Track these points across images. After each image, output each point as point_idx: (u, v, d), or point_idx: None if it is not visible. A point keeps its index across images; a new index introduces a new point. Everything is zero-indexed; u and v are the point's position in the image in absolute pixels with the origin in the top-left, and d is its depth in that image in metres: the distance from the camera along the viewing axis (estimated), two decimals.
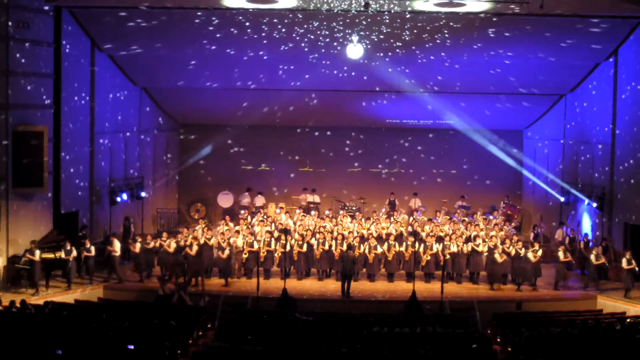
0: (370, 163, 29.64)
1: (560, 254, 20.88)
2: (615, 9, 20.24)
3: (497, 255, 20.70)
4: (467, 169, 29.13)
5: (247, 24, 21.45)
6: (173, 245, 21.13)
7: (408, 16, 20.90)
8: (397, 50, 22.72)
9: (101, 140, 23.56)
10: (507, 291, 20.68)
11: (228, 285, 20.64)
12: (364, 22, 21.21)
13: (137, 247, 21.11)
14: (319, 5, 20.21)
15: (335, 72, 24.31)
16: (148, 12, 21.10)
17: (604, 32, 21.67)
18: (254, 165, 29.45)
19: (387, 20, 21.10)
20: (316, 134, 29.43)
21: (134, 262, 21.44)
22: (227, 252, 20.85)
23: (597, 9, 20.51)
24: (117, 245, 20.82)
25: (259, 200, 27.69)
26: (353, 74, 24.44)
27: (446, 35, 21.78)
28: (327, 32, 21.72)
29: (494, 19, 21.06)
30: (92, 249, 20.36)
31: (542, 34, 21.66)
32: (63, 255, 19.75)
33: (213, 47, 22.90)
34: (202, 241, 21.32)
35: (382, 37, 21.87)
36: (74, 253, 19.83)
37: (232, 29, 21.76)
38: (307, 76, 24.75)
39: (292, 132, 29.45)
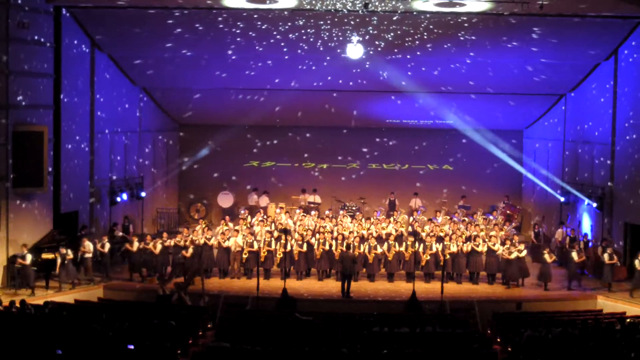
0: (370, 163, 29.66)
1: (574, 255, 20.77)
2: (615, 9, 20.23)
3: (546, 256, 20.69)
4: (467, 169, 29.12)
5: (247, 24, 21.45)
6: (136, 244, 21.12)
7: (408, 16, 20.89)
8: (397, 50, 22.72)
9: (101, 140, 23.57)
10: (507, 291, 20.68)
11: (194, 284, 20.10)
12: (364, 22, 21.21)
13: (158, 248, 21.08)
14: (318, 6, 20.20)
15: (335, 72, 24.32)
16: (148, 12, 21.10)
17: (604, 32, 21.68)
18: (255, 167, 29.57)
19: (387, 20, 21.09)
20: (316, 134, 29.44)
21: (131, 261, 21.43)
22: (190, 250, 20.88)
23: (597, 9, 20.50)
24: (89, 246, 20.50)
25: (264, 200, 27.59)
26: (353, 73, 24.45)
27: (446, 35, 21.78)
28: (327, 32, 21.72)
29: (494, 19, 21.05)
30: (28, 257, 19.03)
31: (542, 33, 21.65)
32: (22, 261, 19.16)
33: (213, 47, 22.92)
34: (202, 241, 21.36)
35: (382, 36, 21.87)
36: (28, 259, 19.07)
37: (231, 29, 21.76)
38: (306, 76, 24.74)
39: (292, 132, 29.48)
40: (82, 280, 20.35)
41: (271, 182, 29.12)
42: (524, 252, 21.01)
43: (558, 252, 23.93)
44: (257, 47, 22.79)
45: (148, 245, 21.01)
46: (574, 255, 20.72)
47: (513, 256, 20.61)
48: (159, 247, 21.03)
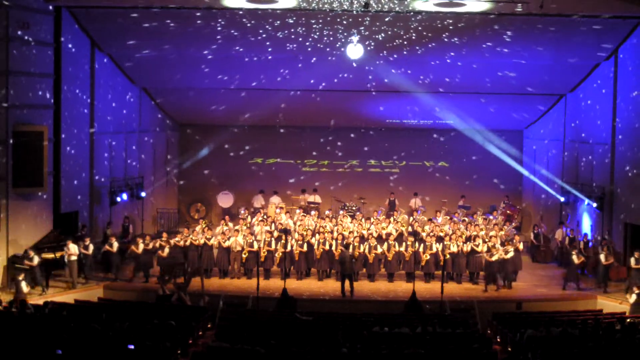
0: (370, 163, 29.68)
1: (602, 257, 20.66)
2: (615, 9, 20.23)
3: (574, 257, 20.62)
4: (467, 169, 29.14)
5: (247, 24, 21.45)
6: (115, 244, 21.11)
7: (408, 16, 20.90)
8: (397, 50, 22.72)
9: (101, 140, 23.57)
10: (507, 291, 20.67)
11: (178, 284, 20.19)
12: (364, 22, 21.21)
13: (140, 247, 21.07)
14: (318, 5, 20.21)
15: (335, 72, 24.31)
16: (148, 12, 21.10)
17: (604, 32, 21.67)
18: (258, 165, 29.56)
19: (387, 20, 21.10)
20: (315, 134, 29.46)
21: (134, 262, 21.40)
22: (166, 250, 20.91)
23: (597, 9, 20.50)
24: (73, 249, 19.96)
25: (275, 200, 27.13)
26: (353, 74, 24.44)
27: (446, 35, 21.78)
28: (327, 32, 21.73)
29: (494, 19, 21.05)
30: None
31: (542, 34, 21.65)
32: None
33: (213, 47, 22.91)
34: (202, 241, 21.37)
35: (382, 36, 21.88)
36: None
37: (231, 29, 21.76)
38: (306, 76, 24.75)
39: (292, 132, 29.50)
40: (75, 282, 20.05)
41: (271, 182, 29.10)
42: (510, 254, 20.56)
43: (558, 252, 23.99)
44: (257, 47, 22.78)
45: (130, 245, 21.06)
46: (602, 257, 20.55)
47: (494, 258, 20.44)
48: (141, 247, 21.00)
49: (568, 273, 21.02)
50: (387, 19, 21.04)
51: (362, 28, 21.42)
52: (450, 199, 27.83)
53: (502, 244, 21.09)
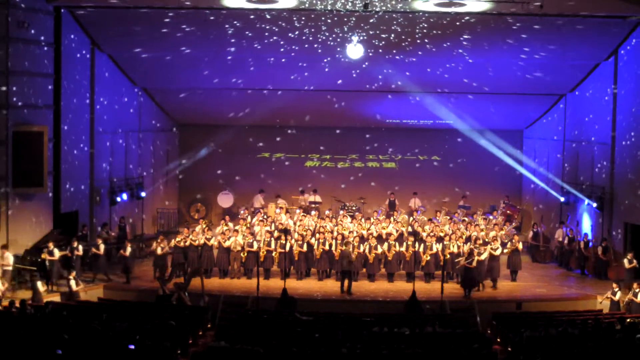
0: (370, 162, 29.69)
1: (625, 262, 20.18)
2: (615, 9, 20.24)
3: (625, 261, 20.27)
4: (467, 169, 29.13)
5: (247, 24, 21.46)
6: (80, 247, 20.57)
7: (407, 16, 20.91)
8: (397, 50, 22.72)
9: (101, 140, 23.58)
10: (507, 291, 20.66)
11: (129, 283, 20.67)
12: (364, 22, 21.21)
13: (128, 251, 21.00)
14: (318, 5, 20.21)
15: (334, 72, 24.31)
16: (148, 12, 21.10)
17: (604, 32, 21.67)
18: (259, 165, 29.57)
19: (387, 20, 21.10)
20: (316, 134, 29.47)
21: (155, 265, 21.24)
22: (128, 249, 20.90)
23: (597, 9, 20.50)
24: (7, 258, 18.82)
25: (280, 203, 26.93)
26: (353, 73, 24.44)
27: (446, 35, 21.78)
28: (327, 32, 21.73)
29: (494, 19, 21.06)
30: None
31: (542, 33, 21.66)
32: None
33: (213, 47, 22.93)
34: (202, 241, 21.38)
35: (382, 36, 21.87)
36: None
37: (232, 29, 21.77)
38: (306, 76, 24.75)
39: (292, 132, 29.49)
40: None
41: (272, 181, 29.13)
42: (471, 261, 20.07)
43: (558, 252, 24.00)
44: (257, 47, 22.78)
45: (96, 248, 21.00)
46: (626, 262, 19.99)
47: (474, 264, 20.22)
48: (102, 247, 20.90)
49: (625, 280, 20.26)
50: (386, 19, 21.03)
51: (360, 27, 21.40)
52: (451, 199, 27.84)
53: (503, 244, 21.05)
